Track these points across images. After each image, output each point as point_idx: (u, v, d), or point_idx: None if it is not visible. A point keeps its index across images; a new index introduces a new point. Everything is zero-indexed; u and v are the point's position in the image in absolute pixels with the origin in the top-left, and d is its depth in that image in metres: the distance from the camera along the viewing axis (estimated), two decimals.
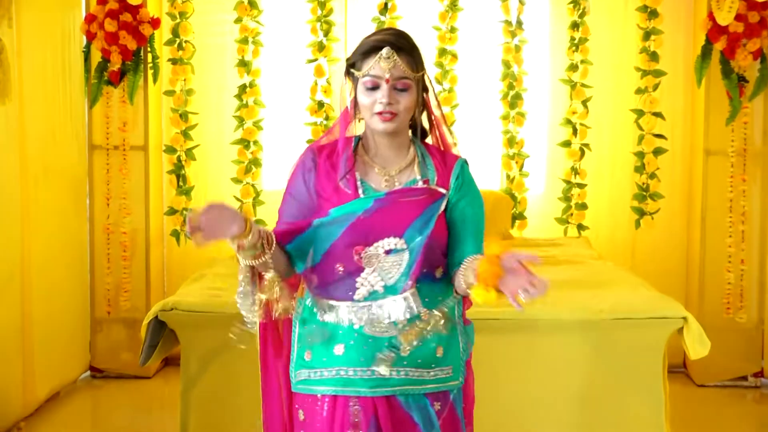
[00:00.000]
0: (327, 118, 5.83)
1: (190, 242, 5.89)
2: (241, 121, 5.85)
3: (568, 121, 5.86)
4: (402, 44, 2.47)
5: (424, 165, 2.54)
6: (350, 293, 2.46)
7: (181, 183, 5.88)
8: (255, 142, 5.88)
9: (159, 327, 4.08)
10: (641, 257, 5.96)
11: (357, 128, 2.59)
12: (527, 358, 4.00)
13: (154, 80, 5.72)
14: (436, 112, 2.62)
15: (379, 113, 2.45)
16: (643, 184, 5.85)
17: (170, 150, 5.87)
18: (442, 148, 2.62)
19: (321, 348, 2.50)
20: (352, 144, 2.56)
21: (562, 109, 5.92)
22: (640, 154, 5.84)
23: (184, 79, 5.85)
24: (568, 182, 5.90)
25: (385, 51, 2.44)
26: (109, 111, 5.66)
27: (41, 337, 5.07)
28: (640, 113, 5.82)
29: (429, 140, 2.62)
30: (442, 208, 2.49)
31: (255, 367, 3.88)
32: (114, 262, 5.70)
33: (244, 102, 5.85)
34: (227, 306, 4.03)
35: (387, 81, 2.43)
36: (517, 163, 5.83)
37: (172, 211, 5.89)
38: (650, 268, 5.76)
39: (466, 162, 2.59)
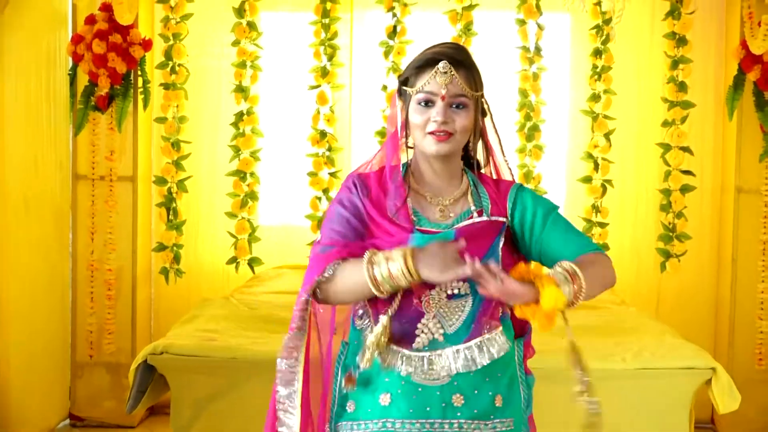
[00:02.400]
0: (330, 149, 5.90)
1: (180, 281, 5.95)
2: (237, 151, 5.92)
3: (590, 156, 5.92)
4: (461, 58, 2.46)
5: (477, 194, 2.52)
6: (408, 341, 2.40)
7: (171, 217, 5.94)
8: (252, 174, 5.95)
9: (148, 372, 4.15)
10: (667, 303, 6.01)
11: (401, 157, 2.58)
12: (544, 409, 4.03)
13: (145, 106, 5.78)
14: (492, 138, 2.59)
15: (432, 132, 2.42)
16: (670, 223, 5.91)
17: (160, 181, 5.93)
18: (495, 177, 2.60)
19: (365, 398, 2.45)
20: (401, 171, 2.53)
21: (582, 142, 5.99)
22: (667, 192, 5.90)
23: (177, 105, 5.92)
24: (588, 221, 5.95)
25: (442, 65, 2.42)
26: (95, 138, 5.70)
27: (18, 382, 5.11)
28: (666, 148, 5.88)
29: (483, 170, 2.60)
30: (502, 241, 2.47)
31: (249, 416, 3.95)
32: (98, 301, 5.73)
33: (241, 131, 5.92)
34: (222, 350, 4.15)
35: (443, 98, 2.41)
36: None
37: (161, 247, 5.94)
38: (676, 314, 5.83)
39: (521, 185, 2.56)
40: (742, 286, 5.72)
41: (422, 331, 2.41)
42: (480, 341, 2.42)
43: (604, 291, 2.51)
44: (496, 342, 2.44)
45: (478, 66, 2.52)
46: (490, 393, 2.44)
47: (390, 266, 2.31)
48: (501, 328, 2.46)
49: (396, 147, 2.54)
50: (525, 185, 2.60)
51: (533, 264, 2.43)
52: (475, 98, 2.48)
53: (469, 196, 2.52)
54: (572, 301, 2.34)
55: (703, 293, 6.00)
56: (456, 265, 2.27)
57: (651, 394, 4.06)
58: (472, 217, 2.49)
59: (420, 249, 2.32)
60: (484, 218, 2.48)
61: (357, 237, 2.45)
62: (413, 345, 2.40)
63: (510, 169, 2.64)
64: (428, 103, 2.44)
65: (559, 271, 2.35)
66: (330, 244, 2.44)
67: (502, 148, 2.62)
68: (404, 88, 2.50)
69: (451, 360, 2.40)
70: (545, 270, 2.41)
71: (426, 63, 2.45)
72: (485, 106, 2.55)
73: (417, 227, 2.44)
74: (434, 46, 2.50)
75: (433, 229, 2.45)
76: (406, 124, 2.51)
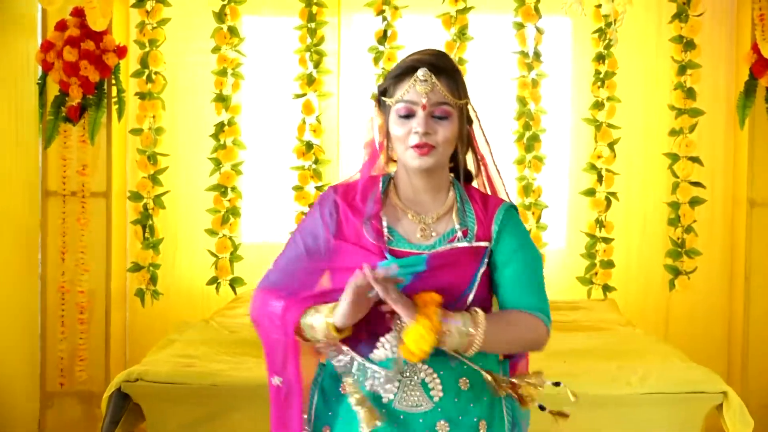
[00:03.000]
0: (316, 162, 5.91)
1: (157, 303, 5.94)
2: (217, 164, 5.93)
3: (593, 167, 5.93)
4: (442, 65, 2.46)
5: (464, 212, 2.52)
6: (367, 351, 2.43)
7: (147, 235, 5.93)
8: (233, 189, 5.95)
9: (122, 400, 4.13)
10: (676, 323, 6.02)
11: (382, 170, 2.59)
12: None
13: (119, 117, 5.79)
14: (483, 149, 2.60)
15: (415, 146, 2.43)
16: (679, 239, 5.92)
17: (136, 197, 5.93)
18: (489, 192, 2.61)
19: (344, 427, 2.47)
20: (380, 184, 2.54)
21: (585, 152, 6.01)
22: (675, 205, 5.92)
23: (153, 116, 5.92)
24: (592, 236, 5.95)
25: (421, 73, 2.43)
26: (66, 152, 5.71)
27: None
28: (674, 158, 5.90)
29: (474, 183, 2.62)
30: (485, 267, 2.49)
31: None
32: (69, 326, 5.72)
33: (222, 142, 5.93)
34: (201, 377, 4.13)
35: (423, 107, 2.42)
36: (533, 214, 5.89)
37: (136, 268, 5.94)
38: (686, 335, 5.84)
39: (512, 206, 2.57)
40: (756, 304, 5.73)
41: (382, 345, 2.42)
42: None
43: (515, 351, 2.60)
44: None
45: (461, 72, 2.53)
46: (475, 419, 2.46)
47: (313, 320, 2.44)
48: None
49: (374, 160, 2.55)
50: (515, 206, 2.60)
51: (436, 297, 2.41)
52: (459, 106, 2.48)
53: (454, 214, 2.52)
54: (466, 348, 2.39)
55: (715, 312, 6.02)
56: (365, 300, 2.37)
57: (658, 420, 4.06)
58: (455, 238, 2.49)
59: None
60: (465, 243, 2.48)
61: (307, 278, 2.52)
62: (369, 355, 2.43)
63: (502, 180, 2.65)
64: (409, 114, 2.44)
65: (465, 320, 2.38)
66: (277, 294, 2.52)
67: (493, 158, 2.63)
68: (383, 98, 2.51)
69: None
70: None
71: (404, 71, 2.46)
72: (472, 114, 2.56)
73: (390, 248, 2.46)
74: (413, 54, 2.52)
75: (408, 250, 2.47)
76: (388, 136, 2.51)
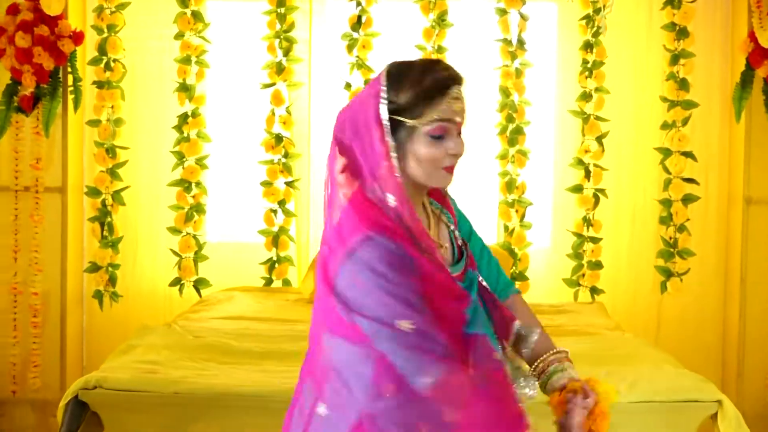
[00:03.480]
0: (286, 156, 5.90)
1: (116, 305, 5.92)
2: (181, 158, 5.92)
3: (580, 162, 5.95)
4: (463, 79, 2.42)
5: (438, 210, 2.56)
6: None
7: (106, 233, 5.92)
8: (198, 184, 5.94)
9: (79, 409, 4.12)
10: (667, 327, 6.04)
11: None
12: None
13: (75, 108, 5.77)
14: None
15: (448, 167, 2.39)
16: (671, 238, 5.94)
17: (93, 192, 5.92)
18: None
19: None
20: (413, 213, 2.35)
21: (572, 146, 6.02)
22: (667, 203, 5.94)
23: (112, 107, 5.92)
24: (579, 236, 5.98)
25: (455, 90, 2.37)
26: (19, 144, 5.68)
27: None
28: (666, 153, 5.92)
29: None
30: None
31: None
32: (22, 329, 5.70)
33: (185, 135, 5.92)
34: (163, 384, 4.12)
35: (459, 125, 2.38)
36: (517, 211, 5.90)
37: (94, 268, 5.92)
38: (678, 340, 5.86)
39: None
40: (752, 307, 5.75)
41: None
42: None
43: None
44: None
45: None
46: None
47: None
48: None
49: (400, 185, 2.34)
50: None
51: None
52: None
53: (442, 216, 2.54)
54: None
55: (709, 316, 6.04)
56: None
57: (649, 430, 4.07)
58: (458, 239, 2.52)
59: None
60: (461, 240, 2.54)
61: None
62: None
63: None
64: (443, 133, 2.36)
65: (565, 364, 2.52)
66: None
67: None
68: (400, 118, 2.36)
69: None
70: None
71: (436, 89, 2.36)
72: None
73: (457, 274, 2.45)
74: (433, 68, 2.40)
75: (457, 273, 2.45)
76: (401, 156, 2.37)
